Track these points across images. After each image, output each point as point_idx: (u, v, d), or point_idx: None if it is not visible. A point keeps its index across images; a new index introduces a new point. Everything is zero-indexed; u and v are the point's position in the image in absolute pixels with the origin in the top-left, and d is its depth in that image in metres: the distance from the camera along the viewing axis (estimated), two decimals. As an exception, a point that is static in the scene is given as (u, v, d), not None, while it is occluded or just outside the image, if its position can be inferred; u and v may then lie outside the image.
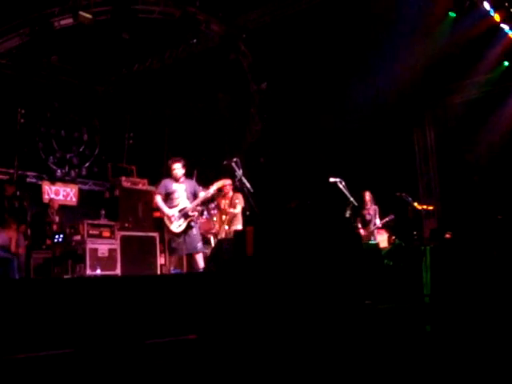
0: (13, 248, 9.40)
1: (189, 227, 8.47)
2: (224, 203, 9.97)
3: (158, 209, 8.85)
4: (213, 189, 8.72)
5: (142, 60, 14.16)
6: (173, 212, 8.47)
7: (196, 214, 8.65)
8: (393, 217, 11.66)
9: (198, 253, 8.57)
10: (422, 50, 12.96)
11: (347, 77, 13.04)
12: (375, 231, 11.73)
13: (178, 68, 13.96)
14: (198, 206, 8.73)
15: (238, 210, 9.78)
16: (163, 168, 15.03)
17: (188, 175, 10.66)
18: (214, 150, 14.53)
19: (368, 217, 11.68)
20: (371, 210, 11.78)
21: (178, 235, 8.48)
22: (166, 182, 8.80)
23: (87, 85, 14.85)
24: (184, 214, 8.47)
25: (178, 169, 8.69)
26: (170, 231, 8.61)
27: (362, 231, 11.46)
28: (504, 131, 13.86)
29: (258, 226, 6.26)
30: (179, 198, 8.57)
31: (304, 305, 5.70)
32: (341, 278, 6.27)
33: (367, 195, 11.76)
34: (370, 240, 11.29)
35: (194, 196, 8.65)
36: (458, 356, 4.91)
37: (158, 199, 8.63)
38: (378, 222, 11.67)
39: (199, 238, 8.73)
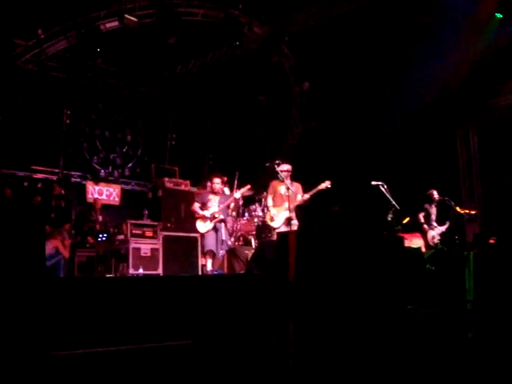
0: (60, 249, 9.62)
1: (214, 228, 9.21)
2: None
3: (195, 213, 9.60)
4: (237, 194, 9.72)
5: (184, 62, 14.31)
6: (203, 213, 9.33)
7: (221, 216, 9.23)
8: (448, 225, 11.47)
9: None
10: (466, 51, 12.78)
11: (390, 78, 12.94)
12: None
13: (220, 70, 14.06)
14: (223, 209, 9.36)
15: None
16: (205, 169, 15.23)
17: (229, 177, 10.87)
18: (256, 152, 14.59)
19: (433, 216, 11.47)
20: (435, 210, 11.57)
21: (205, 236, 9.32)
22: (204, 194, 9.92)
23: (131, 87, 15.08)
24: (211, 217, 9.25)
25: (217, 183, 9.61)
26: (201, 235, 9.52)
27: (430, 231, 11.28)
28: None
29: (301, 229, 6.27)
30: (212, 206, 9.35)
31: (346, 309, 5.68)
32: (382, 283, 6.23)
33: (435, 193, 11.55)
34: (434, 242, 11.12)
35: (227, 207, 9.64)
36: (499, 363, 4.84)
37: (196, 206, 9.55)
38: (436, 224, 11.44)
39: (222, 240, 9.23)
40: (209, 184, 10.13)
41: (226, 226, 9.42)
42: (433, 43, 11.82)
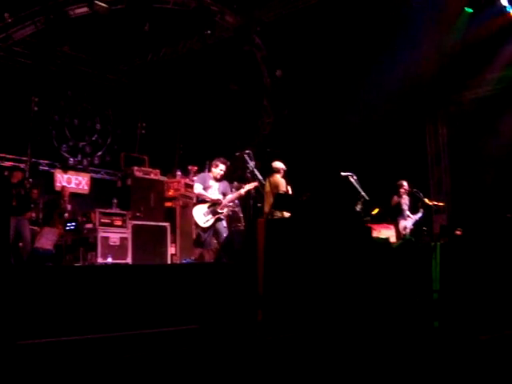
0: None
1: (217, 222, 8.68)
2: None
3: (199, 195, 8.96)
4: (244, 190, 8.77)
5: (155, 50, 14.19)
6: (206, 206, 8.69)
7: (225, 211, 8.84)
8: (422, 213, 11.59)
9: None
10: (436, 45, 12.91)
11: (361, 71, 13.01)
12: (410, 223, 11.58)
13: (191, 59, 13.98)
14: (226, 204, 8.89)
15: None
16: (175, 158, 15.16)
17: (200, 166, 10.72)
18: (227, 141, 14.56)
19: (404, 206, 11.60)
20: (406, 199, 11.72)
21: (204, 230, 8.70)
22: (206, 176, 9.17)
23: (101, 74, 14.90)
24: (213, 211, 8.68)
25: (222, 170, 8.95)
26: (198, 226, 8.80)
27: (402, 221, 11.40)
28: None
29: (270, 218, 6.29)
30: (212, 194, 8.82)
31: (314, 298, 5.73)
32: (349, 272, 6.29)
33: (405, 184, 11.66)
34: (405, 232, 11.25)
35: (224, 196, 8.90)
36: (464, 351, 4.93)
37: (200, 188, 8.86)
38: (410, 214, 11.58)
39: (227, 231, 8.83)
40: (212, 168, 9.17)
41: (227, 221, 9.04)
42: (403, 36, 11.90)
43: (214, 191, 8.89)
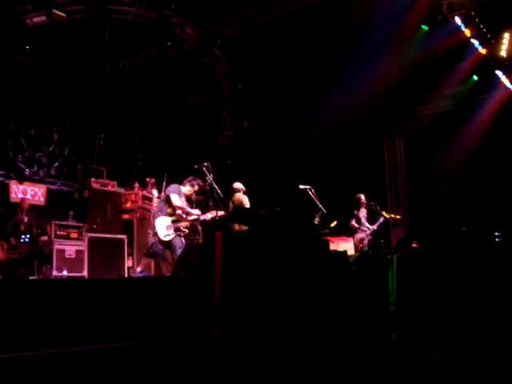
0: None
1: (175, 237, 8.65)
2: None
3: (179, 208, 8.84)
4: (209, 216, 8.86)
5: (115, 61, 14.09)
6: (170, 219, 8.69)
7: (187, 231, 8.85)
8: (384, 219, 11.70)
9: None
10: (392, 61, 13.15)
11: (320, 84, 13.16)
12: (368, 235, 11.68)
13: (151, 70, 13.92)
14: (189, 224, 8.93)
15: None
16: (134, 170, 15.01)
17: (158, 178, 10.64)
18: (186, 154, 14.50)
19: (363, 219, 11.71)
20: (364, 212, 11.83)
21: (161, 242, 8.67)
22: (179, 188, 9.04)
23: (59, 84, 14.69)
24: (176, 228, 8.68)
25: (195, 191, 9.14)
26: (156, 236, 8.72)
27: (358, 234, 11.48)
28: (471, 144, 14.11)
29: (228, 231, 6.28)
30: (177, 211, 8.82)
31: (271, 311, 5.73)
32: (307, 284, 6.31)
33: (363, 198, 11.78)
34: (363, 243, 11.35)
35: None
36: (420, 363, 4.99)
37: (178, 199, 8.80)
38: (369, 225, 11.69)
39: (183, 247, 8.71)
40: (187, 186, 9.13)
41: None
42: (363, 51, 12.10)
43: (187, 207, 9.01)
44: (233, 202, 9.24)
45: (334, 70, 12.53)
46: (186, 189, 9.04)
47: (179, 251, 8.46)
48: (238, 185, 9.96)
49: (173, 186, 9.10)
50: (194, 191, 9.11)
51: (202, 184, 9.03)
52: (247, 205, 9.46)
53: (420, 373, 4.69)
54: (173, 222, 8.71)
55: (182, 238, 8.76)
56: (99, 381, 4.20)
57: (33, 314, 4.65)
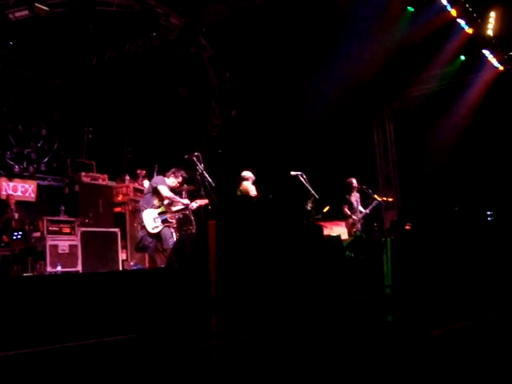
0: None
1: (164, 228, 8.58)
2: None
3: (169, 198, 8.77)
4: (195, 205, 8.83)
5: (100, 53, 13.96)
6: (157, 212, 8.62)
7: (174, 221, 8.76)
8: (378, 202, 11.66)
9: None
10: (380, 43, 13.12)
11: (308, 70, 13.11)
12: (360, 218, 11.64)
13: (137, 61, 13.81)
14: (176, 214, 8.84)
15: None
16: (124, 162, 14.95)
17: (149, 170, 10.59)
18: (175, 144, 14.44)
19: (355, 204, 11.67)
20: (357, 196, 11.77)
21: (150, 235, 8.58)
22: (164, 180, 8.91)
23: (45, 79, 14.56)
24: (163, 219, 8.60)
25: (180, 182, 8.97)
26: (144, 229, 8.64)
27: (352, 218, 11.43)
28: (461, 124, 14.14)
29: (220, 220, 6.26)
30: (165, 201, 8.75)
31: (267, 299, 5.73)
32: (301, 270, 6.32)
33: (354, 182, 11.72)
34: (356, 227, 11.33)
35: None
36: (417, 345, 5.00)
37: (167, 190, 8.70)
38: (362, 209, 11.65)
39: (173, 237, 8.67)
40: (171, 177, 8.94)
41: (178, 224, 8.96)
42: (349, 35, 12.05)
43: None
44: (240, 191, 9.33)
45: (322, 54, 12.49)
46: (171, 180, 8.90)
47: (170, 241, 8.40)
48: (246, 173, 10.10)
49: (158, 178, 9.06)
50: (179, 183, 8.97)
51: (185, 175, 8.97)
52: (253, 193, 9.59)
53: (420, 352, 4.70)
54: (159, 213, 8.65)
55: (171, 228, 8.68)
56: (99, 375, 4.19)
57: (29, 312, 4.63)
